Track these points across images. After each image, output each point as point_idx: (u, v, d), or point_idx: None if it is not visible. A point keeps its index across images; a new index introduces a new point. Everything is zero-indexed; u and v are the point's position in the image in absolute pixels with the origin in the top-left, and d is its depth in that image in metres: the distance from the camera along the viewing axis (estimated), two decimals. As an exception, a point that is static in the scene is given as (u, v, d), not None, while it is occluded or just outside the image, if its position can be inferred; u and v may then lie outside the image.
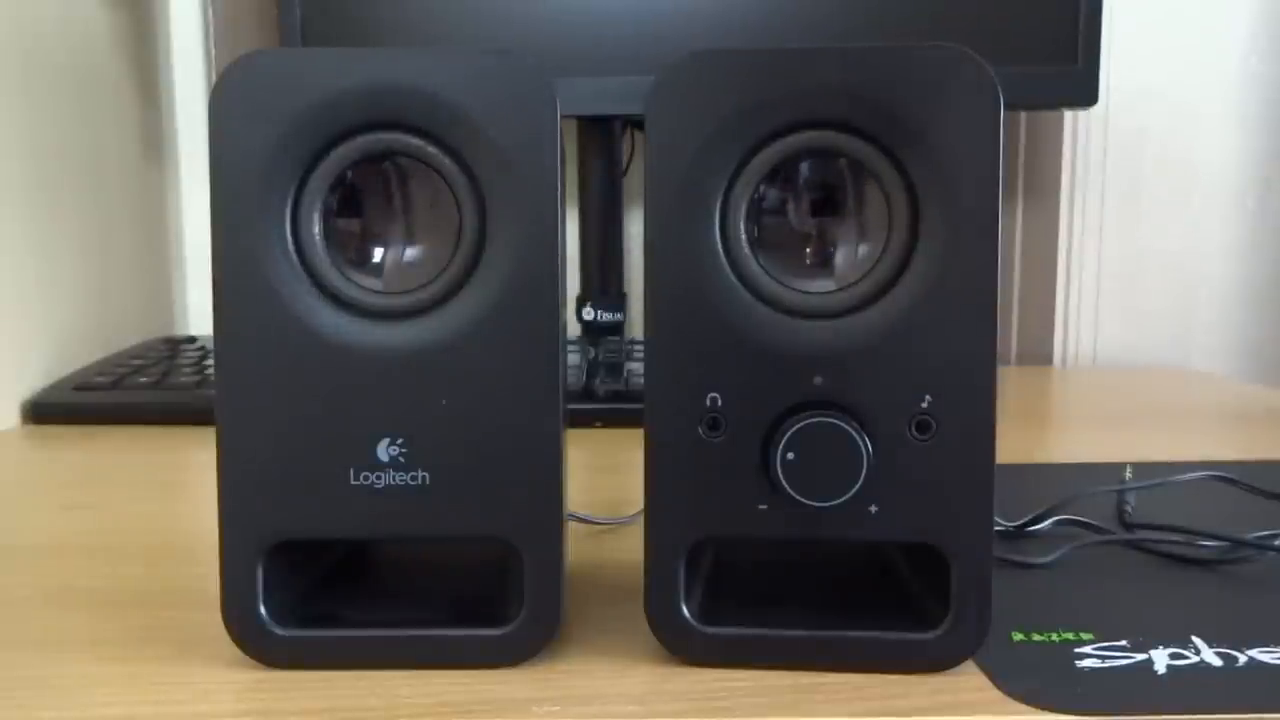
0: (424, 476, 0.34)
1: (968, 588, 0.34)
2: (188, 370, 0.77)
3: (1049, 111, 0.97)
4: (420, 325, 0.34)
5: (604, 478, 0.61)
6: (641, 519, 0.35)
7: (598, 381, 0.74)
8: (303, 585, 0.37)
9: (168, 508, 0.56)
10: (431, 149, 0.34)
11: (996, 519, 0.40)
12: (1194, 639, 0.36)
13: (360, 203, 0.35)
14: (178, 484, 0.62)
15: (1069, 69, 0.82)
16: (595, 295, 0.93)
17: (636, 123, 0.93)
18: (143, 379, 0.76)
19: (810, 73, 0.33)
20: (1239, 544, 0.44)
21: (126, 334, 0.88)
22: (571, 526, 0.45)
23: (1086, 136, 0.99)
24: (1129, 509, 0.50)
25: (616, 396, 0.73)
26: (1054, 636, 0.37)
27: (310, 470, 0.34)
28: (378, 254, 0.36)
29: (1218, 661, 0.35)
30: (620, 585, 0.42)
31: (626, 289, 0.96)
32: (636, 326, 0.95)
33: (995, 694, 0.33)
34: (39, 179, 0.77)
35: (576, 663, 0.35)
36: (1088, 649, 0.36)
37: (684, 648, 0.35)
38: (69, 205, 0.81)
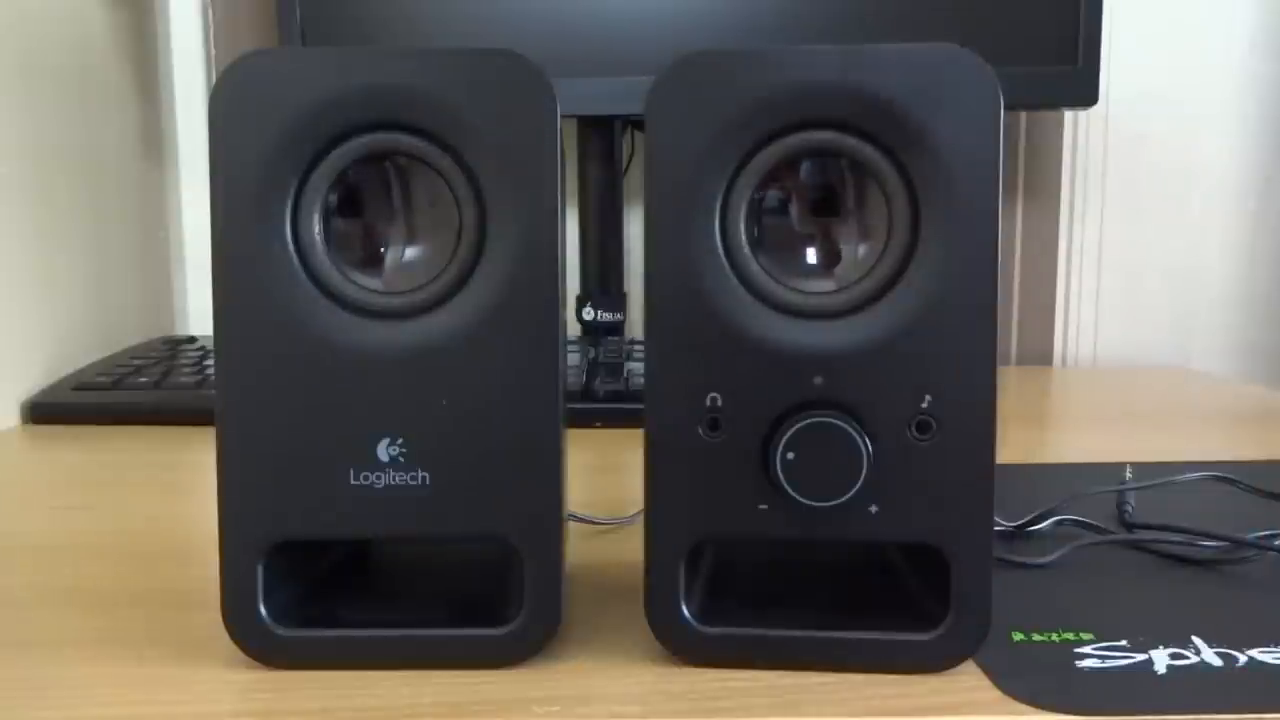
0: (424, 476, 0.34)
1: (968, 588, 0.34)
2: (188, 370, 0.77)
3: (1049, 111, 0.97)
4: (420, 325, 0.34)
5: (604, 478, 0.61)
6: (641, 519, 0.35)
7: (598, 381, 0.74)
8: (303, 585, 0.37)
9: (167, 508, 0.56)
10: (431, 149, 0.34)
11: (996, 519, 0.39)
12: (1194, 639, 0.36)
13: (360, 203, 0.35)
14: (178, 484, 0.62)
15: (1069, 69, 0.82)
16: (595, 295, 0.93)
17: (636, 123, 0.93)
18: (143, 379, 0.76)
19: (810, 73, 0.33)
20: (1239, 544, 0.44)
21: (126, 334, 0.88)
22: (571, 526, 0.45)
23: (1086, 137, 0.99)
24: (1129, 509, 0.50)
25: (616, 396, 0.73)
26: (1054, 636, 0.37)
27: (310, 470, 0.34)
28: (378, 254, 0.36)
29: (1218, 661, 0.35)
30: (620, 585, 0.42)
31: (626, 289, 0.96)
32: (636, 326, 0.95)
33: (995, 694, 0.33)
34: (39, 179, 0.77)
35: (576, 663, 0.35)
36: (1088, 649, 0.36)
37: (684, 648, 0.35)
38: (69, 205, 0.81)
